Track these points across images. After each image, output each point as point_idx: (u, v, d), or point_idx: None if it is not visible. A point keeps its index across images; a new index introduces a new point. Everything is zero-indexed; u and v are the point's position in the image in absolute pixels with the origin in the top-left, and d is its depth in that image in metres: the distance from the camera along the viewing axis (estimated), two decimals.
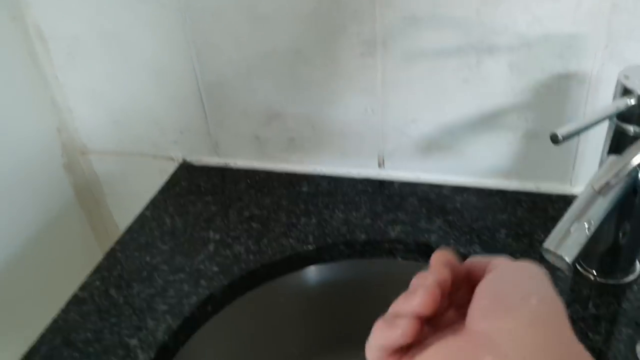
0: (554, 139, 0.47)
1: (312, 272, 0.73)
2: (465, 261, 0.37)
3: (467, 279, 0.36)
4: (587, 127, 0.49)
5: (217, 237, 0.73)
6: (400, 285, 0.74)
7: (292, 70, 0.74)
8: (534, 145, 0.72)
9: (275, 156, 0.82)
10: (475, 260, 0.36)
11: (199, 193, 0.81)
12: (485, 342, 0.29)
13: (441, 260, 0.35)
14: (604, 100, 0.66)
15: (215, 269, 0.69)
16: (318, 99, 0.76)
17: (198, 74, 0.77)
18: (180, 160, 0.87)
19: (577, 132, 0.48)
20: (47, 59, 0.82)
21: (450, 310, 0.36)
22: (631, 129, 0.53)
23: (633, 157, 0.36)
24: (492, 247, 0.68)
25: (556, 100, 0.68)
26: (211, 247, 0.72)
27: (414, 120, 0.74)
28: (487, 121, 0.72)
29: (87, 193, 0.94)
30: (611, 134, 0.55)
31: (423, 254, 0.71)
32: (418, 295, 0.32)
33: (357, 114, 0.75)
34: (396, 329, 0.32)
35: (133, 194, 0.88)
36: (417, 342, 0.33)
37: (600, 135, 0.59)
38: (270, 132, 0.80)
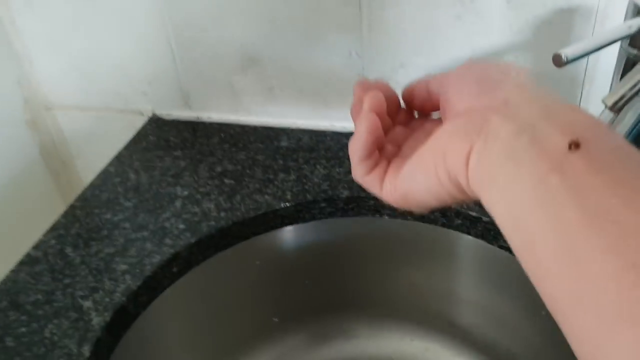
0: (557, 61, 0.41)
1: (291, 232, 0.66)
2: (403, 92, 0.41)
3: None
4: (595, 49, 0.42)
5: (185, 193, 0.67)
6: (387, 245, 0.67)
7: (269, 7, 0.67)
8: None
9: (251, 109, 0.76)
10: (410, 87, 0.40)
11: (167, 148, 0.74)
12: (487, 110, 0.31)
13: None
14: None
15: (182, 226, 0.62)
16: (297, 42, 0.69)
17: (166, 15, 0.70)
18: (150, 114, 0.80)
19: (584, 54, 0.41)
20: (3, 3, 0.75)
21: (398, 127, 0.40)
22: None
23: None
24: None
25: (558, 39, 0.61)
26: (178, 203, 0.65)
27: (403, 64, 0.67)
28: None
29: (52, 151, 0.87)
30: (621, 65, 0.49)
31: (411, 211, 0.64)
32: (368, 97, 0.37)
33: (340, 58, 0.69)
34: (359, 129, 0.36)
35: (101, 151, 0.81)
36: (393, 154, 0.38)
37: (607, 78, 0.53)
38: (246, 81, 0.73)
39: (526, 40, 0.62)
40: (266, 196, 0.65)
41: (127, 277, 0.58)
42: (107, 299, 0.55)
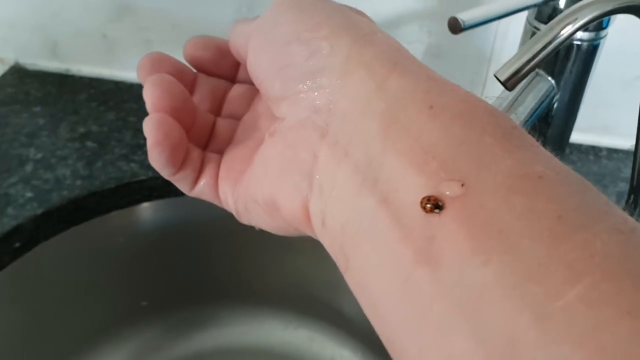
0: (453, 26, 0.35)
1: (160, 207, 0.58)
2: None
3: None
4: (497, 16, 0.36)
5: (39, 155, 0.57)
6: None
7: None
8: (438, 66, 0.60)
9: (128, 63, 0.67)
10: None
11: (26, 102, 0.64)
12: (308, 131, 0.23)
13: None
14: None
15: (29, 194, 0.53)
16: None
17: None
18: (12, 63, 0.70)
19: (485, 21, 0.36)
20: None
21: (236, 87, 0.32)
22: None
23: (550, 35, 0.24)
24: None
25: (468, 7, 0.55)
26: (29, 167, 0.56)
27: None
28: None
29: None
30: (526, 40, 0.43)
31: None
32: (147, 89, 0.27)
33: (229, 12, 0.61)
34: (148, 139, 0.26)
35: None
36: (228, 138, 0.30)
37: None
38: (121, 31, 0.64)
39: (430, 7, 0.56)
40: (132, 164, 0.57)
41: None
42: None
